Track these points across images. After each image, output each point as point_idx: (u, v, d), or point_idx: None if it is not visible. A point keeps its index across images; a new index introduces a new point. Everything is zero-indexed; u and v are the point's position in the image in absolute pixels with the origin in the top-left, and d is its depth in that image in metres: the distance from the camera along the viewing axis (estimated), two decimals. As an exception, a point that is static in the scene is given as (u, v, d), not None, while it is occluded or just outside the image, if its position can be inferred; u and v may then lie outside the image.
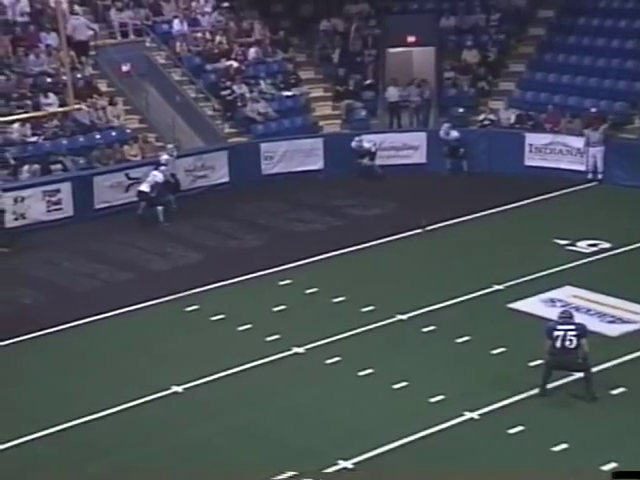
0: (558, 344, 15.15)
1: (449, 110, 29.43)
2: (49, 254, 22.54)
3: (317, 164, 27.64)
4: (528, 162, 27.22)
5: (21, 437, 14.78)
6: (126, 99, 28.69)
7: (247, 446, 14.49)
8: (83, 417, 15.24)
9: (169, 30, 30.24)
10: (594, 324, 17.24)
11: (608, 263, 21.02)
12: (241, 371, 16.61)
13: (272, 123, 28.72)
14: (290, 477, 13.38)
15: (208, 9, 31.42)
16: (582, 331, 15.27)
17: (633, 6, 29.67)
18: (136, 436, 14.86)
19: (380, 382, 16.13)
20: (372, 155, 27.43)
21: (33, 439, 14.77)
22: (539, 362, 15.77)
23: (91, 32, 29.33)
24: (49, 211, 24.35)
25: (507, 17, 31.12)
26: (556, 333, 15.19)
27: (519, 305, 18.81)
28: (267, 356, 17.06)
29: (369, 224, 23.65)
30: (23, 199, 24.06)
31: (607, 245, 21.78)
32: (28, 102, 26.59)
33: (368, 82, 30.48)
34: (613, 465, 13.60)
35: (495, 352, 16.96)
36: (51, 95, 26.77)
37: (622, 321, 18.09)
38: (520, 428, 14.64)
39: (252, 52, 30.37)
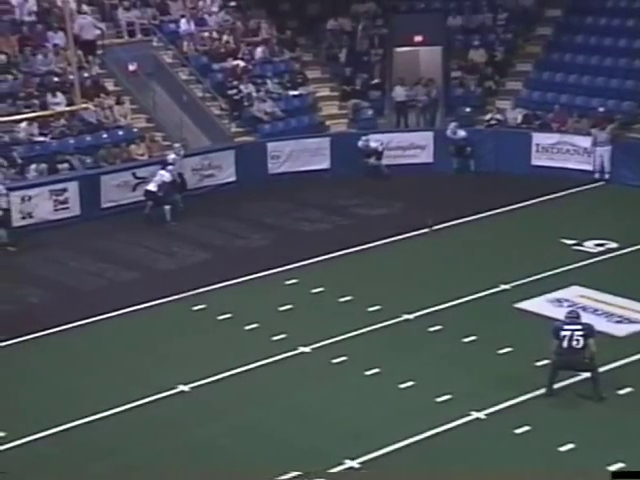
0: (565, 344, 15.12)
1: (456, 110, 29.40)
2: (56, 253, 22.57)
3: (324, 164, 27.63)
4: (535, 162, 27.18)
5: (26, 436, 14.80)
6: (133, 98, 28.70)
7: (253, 446, 14.48)
8: (88, 417, 15.24)
9: (176, 29, 30.25)
10: (601, 324, 17.21)
11: (615, 263, 20.98)
12: (247, 370, 16.61)
13: (279, 122, 28.72)
14: (295, 477, 13.35)
15: (215, 8, 31.44)
16: (589, 331, 15.24)
17: (640, 5, 29.66)
18: (141, 436, 14.87)
19: (386, 382, 16.12)
20: (379, 155, 27.41)
21: (38, 438, 14.78)
22: (546, 362, 15.74)
23: (98, 31, 29.36)
24: (56, 210, 24.38)
25: (514, 16, 31.07)
26: (563, 333, 15.16)
27: (526, 305, 18.78)
28: (273, 355, 17.06)
29: (375, 224, 23.64)
30: (30, 198, 24.09)
31: (614, 245, 21.74)
32: (35, 101, 26.62)
33: (375, 82, 30.46)
34: (620, 465, 13.58)
35: (502, 352, 16.94)
36: (58, 94, 26.78)
37: (629, 321, 18.06)
38: (526, 428, 14.62)
39: (259, 51, 30.37)
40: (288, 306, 19.10)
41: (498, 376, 16.15)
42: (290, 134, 28.11)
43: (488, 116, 28.90)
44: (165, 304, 19.47)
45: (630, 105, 27.63)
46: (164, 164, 24.91)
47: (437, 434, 14.57)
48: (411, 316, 18.47)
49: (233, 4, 31.63)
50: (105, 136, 26.82)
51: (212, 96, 28.98)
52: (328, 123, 29.54)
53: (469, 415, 15.01)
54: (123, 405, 15.55)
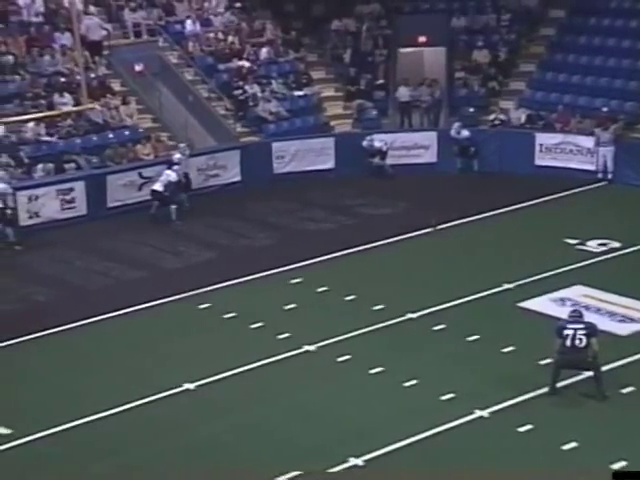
0: (568, 343, 15.11)
1: (460, 110, 29.40)
2: (62, 252, 22.60)
3: (328, 163, 27.63)
4: (538, 162, 27.17)
5: (31, 434, 14.81)
6: (139, 98, 28.74)
7: (257, 444, 14.48)
8: (93, 415, 15.24)
9: (182, 30, 30.29)
10: (604, 323, 17.18)
11: (618, 262, 20.96)
12: (252, 369, 16.62)
13: (284, 122, 28.74)
14: (296, 476, 13.32)
15: (220, 9, 31.48)
16: (592, 330, 15.23)
17: (644, 6, 29.62)
18: (146, 435, 14.85)
19: (390, 380, 16.12)
20: (383, 154, 27.41)
21: (43, 436, 14.79)
22: (549, 361, 15.73)
23: (105, 32, 29.41)
24: (63, 209, 24.41)
25: (518, 17, 31.07)
26: (566, 332, 15.15)
27: (529, 304, 18.77)
28: (278, 354, 17.07)
29: (380, 223, 23.64)
30: (37, 197, 24.12)
31: (617, 244, 21.72)
32: (42, 101, 26.67)
33: (379, 82, 30.47)
34: (623, 464, 13.57)
35: (505, 351, 16.93)
36: (65, 94, 26.82)
37: (632, 320, 18.04)
38: (530, 426, 14.61)
39: (264, 52, 30.40)
40: (293, 305, 19.11)
41: (501, 375, 16.14)
42: (295, 134, 28.12)
43: (492, 116, 28.90)
44: (171, 303, 19.49)
45: (633, 106, 27.61)
46: (170, 164, 24.94)
47: (441, 432, 14.56)
48: (415, 315, 18.47)
49: (238, 5, 31.66)
50: (111, 136, 26.85)
51: (217, 96, 29.00)
52: (333, 123, 29.56)
53: (473, 413, 15.01)
54: (128, 403, 15.55)
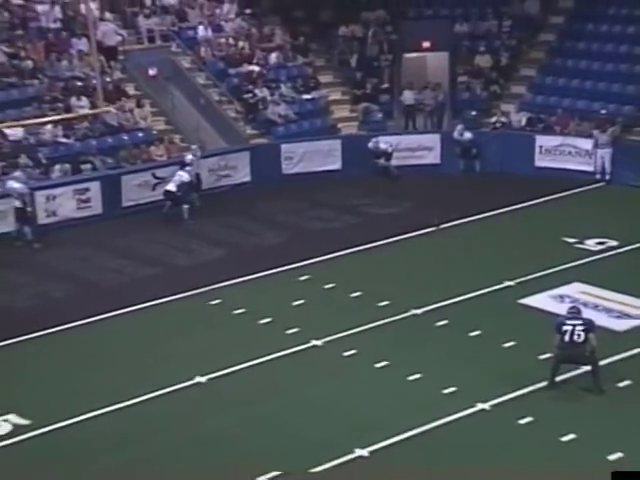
0: (567, 338, 15.08)
1: (462, 113, 29.35)
2: (78, 250, 22.61)
3: (335, 164, 27.61)
4: (538, 163, 27.12)
5: (50, 424, 14.84)
6: (153, 102, 28.75)
7: (266, 436, 14.46)
8: (107, 407, 15.25)
9: (194, 36, 30.28)
10: (601, 319, 17.15)
11: (615, 261, 20.91)
12: (261, 362, 16.62)
13: (292, 125, 28.73)
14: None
15: (231, 16, 31.47)
16: (590, 326, 15.21)
17: (640, 13, 29.56)
18: (159, 427, 14.84)
19: (395, 374, 16.11)
20: (388, 156, 27.38)
21: (61, 427, 14.82)
22: (548, 356, 15.72)
23: (120, 38, 29.44)
24: (79, 209, 24.42)
25: (519, 23, 31.02)
26: (565, 328, 15.13)
27: (529, 301, 18.74)
28: (287, 348, 17.07)
29: (385, 222, 23.61)
30: (54, 197, 24.15)
31: (614, 243, 21.67)
32: (60, 105, 26.68)
33: (384, 86, 30.45)
34: (619, 455, 13.57)
35: (506, 346, 16.91)
36: (82, 98, 26.84)
37: (629, 316, 18.01)
38: (529, 419, 14.59)
39: (273, 57, 30.39)
40: (301, 301, 19.10)
41: (502, 369, 16.12)
42: (303, 136, 28.11)
43: (493, 119, 28.85)
44: (182, 299, 19.49)
45: (630, 109, 27.54)
46: (182, 165, 24.94)
47: (443, 424, 14.54)
48: (419, 311, 18.45)
49: (249, 11, 31.65)
50: (126, 138, 26.87)
51: (228, 99, 28.99)
52: (339, 125, 29.54)
53: (474, 407, 14.99)
54: (141, 396, 15.56)
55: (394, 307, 18.54)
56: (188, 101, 28.90)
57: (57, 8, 29.49)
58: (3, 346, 17.64)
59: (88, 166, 25.63)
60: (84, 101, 26.76)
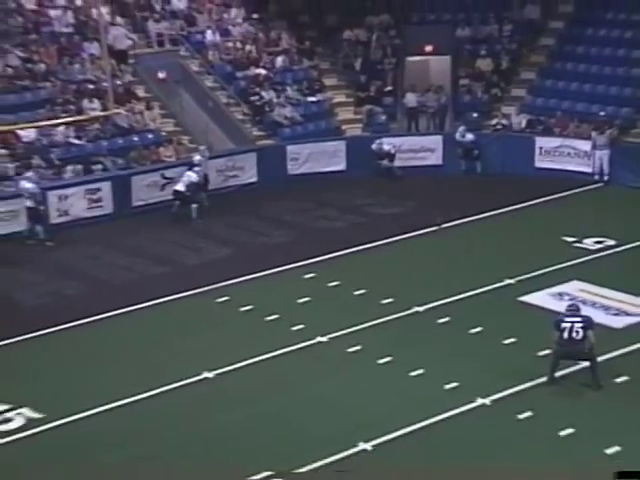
0: (565, 335, 15.08)
1: (464, 115, 29.34)
2: (90, 248, 22.64)
3: (340, 165, 27.62)
4: (538, 164, 27.11)
5: (64, 417, 14.87)
6: (162, 104, 28.78)
7: (271, 431, 14.47)
8: (118, 401, 15.28)
9: (202, 40, 30.31)
10: (599, 316, 17.14)
11: (613, 259, 20.90)
12: (268, 359, 16.63)
13: (298, 127, 28.74)
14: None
15: (239, 20, 31.50)
16: (588, 323, 15.19)
17: (638, 18, 29.43)
18: (167, 422, 14.83)
19: (398, 370, 16.11)
20: (391, 157, 27.38)
21: (76, 419, 14.86)
22: (547, 352, 15.71)
23: (130, 42, 29.48)
24: (90, 208, 24.46)
25: (519, 28, 31.00)
26: (564, 325, 15.12)
27: (529, 298, 18.73)
28: (292, 345, 17.08)
29: (388, 222, 23.61)
30: (66, 197, 24.19)
31: (612, 242, 21.65)
32: (72, 107, 26.72)
33: (388, 88, 30.43)
34: (617, 449, 13.57)
35: (506, 342, 16.91)
36: (93, 100, 26.88)
37: (626, 314, 17.99)
38: (529, 414, 14.59)
39: (279, 60, 30.41)
40: (306, 298, 19.11)
41: (503, 365, 16.12)
42: (308, 137, 28.12)
43: (494, 121, 28.82)
44: (191, 296, 19.51)
45: (628, 111, 27.51)
46: (191, 165, 24.95)
47: (445, 419, 14.55)
48: (421, 308, 18.45)
49: (256, 16, 31.67)
50: (136, 139, 26.90)
51: (235, 102, 29.02)
52: (344, 127, 29.55)
53: (475, 402, 14.99)
54: (151, 390, 15.58)
55: (397, 305, 18.55)
56: (196, 103, 28.93)
57: (69, 13, 29.56)
58: (17, 342, 17.68)
59: (99, 167, 25.67)
60: (95, 103, 26.80)
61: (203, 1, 31.96)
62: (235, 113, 28.87)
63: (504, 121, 28.68)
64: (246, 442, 14.16)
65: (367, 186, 26.24)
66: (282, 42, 31.08)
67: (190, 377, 16.00)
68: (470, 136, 27.35)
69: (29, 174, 24.00)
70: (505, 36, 31.01)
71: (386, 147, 27.36)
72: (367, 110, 29.84)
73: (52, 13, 29.36)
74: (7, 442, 14.37)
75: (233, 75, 29.67)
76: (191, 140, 27.82)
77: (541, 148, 27.13)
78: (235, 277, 20.21)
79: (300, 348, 17.02)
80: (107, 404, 15.18)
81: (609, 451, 13.55)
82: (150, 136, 27.19)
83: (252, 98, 28.97)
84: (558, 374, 15.47)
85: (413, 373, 15.94)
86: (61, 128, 26.12)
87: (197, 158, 25.24)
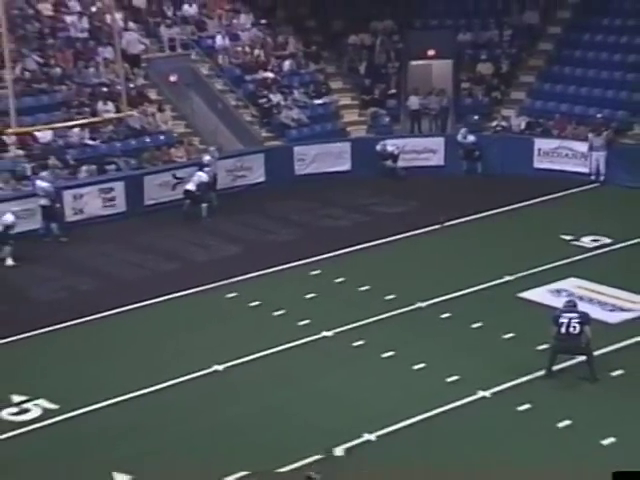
0: (563, 330, 15.06)
1: (465, 117, 29.30)
2: (103, 245, 22.65)
3: (345, 166, 27.59)
4: (537, 165, 27.06)
5: (78, 409, 14.90)
6: (173, 106, 28.78)
7: (278, 422, 14.48)
8: (129, 394, 15.30)
9: (212, 44, 30.30)
10: (596, 312, 17.10)
11: (609, 257, 20.87)
12: (275, 352, 16.63)
13: (304, 128, 28.72)
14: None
15: (248, 25, 31.47)
16: (585, 319, 15.18)
17: (634, 23, 29.41)
18: (177, 414, 14.84)
19: (401, 363, 16.11)
20: (395, 158, 27.36)
21: (88, 412, 14.89)
22: (546, 346, 15.68)
23: (143, 46, 29.49)
24: (104, 207, 24.47)
25: (519, 33, 30.95)
26: (561, 320, 15.10)
27: (528, 295, 18.71)
28: (299, 339, 17.08)
29: (392, 220, 23.59)
30: (81, 196, 24.20)
31: (608, 240, 21.62)
32: (87, 109, 26.73)
33: (392, 91, 30.40)
34: (612, 440, 13.56)
35: (506, 337, 16.89)
36: (107, 103, 26.89)
37: (621, 309, 17.97)
38: (528, 406, 14.58)
39: (287, 64, 30.39)
40: (312, 294, 19.10)
41: (502, 359, 16.10)
42: (315, 139, 28.10)
43: (494, 123, 28.79)
44: (201, 292, 19.51)
45: (623, 114, 27.45)
46: (201, 166, 24.96)
47: (447, 411, 14.55)
48: (424, 304, 18.43)
49: (264, 22, 31.65)
50: (148, 140, 26.91)
51: (244, 104, 29.02)
52: (349, 129, 29.53)
53: (476, 394, 14.98)
54: (162, 383, 15.59)
55: (400, 300, 18.53)
56: (207, 106, 28.92)
57: (85, 19, 29.55)
58: (34, 336, 17.70)
59: (113, 167, 25.69)
60: (109, 106, 26.80)
61: (213, 7, 31.95)
62: (244, 115, 28.85)
63: (504, 123, 28.64)
64: (253, 434, 14.14)
65: (371, 186, 26.22)
66: (289, 46, 31.06)
67: (200, 370, 16.00)
68: (472, 138, 27.31)
69: (44, 173, 24.03)
70: (505, 41, 30.96)
71: (390, 148, 27.33)
72: (371, 112, 29.81)
73: (68, 19, 29.36)
74: (27, 431, 14.40)
75: (242, 78, 29.66)
76: (201, 141, 27.81)
77: (540, 149, 27.08)
78: (243, 274, 20.21)
79: (306, 342, 17.01)
80: (119, 396, 15.20)
81: (605, 442, 13.54)
82: (162, 137, 27.19)
83: (260, 101, 28.96)
84: (556, 368, 15.46)
85: (416, 367, 15.93)
86: (76, 130, 26.15)
87: (207, 158, 25.24)
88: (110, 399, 15.13)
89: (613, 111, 27.50)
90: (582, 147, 26.45)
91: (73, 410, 14.85)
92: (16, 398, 15.25)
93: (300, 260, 20.91)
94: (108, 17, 28.45)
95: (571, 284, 19.04)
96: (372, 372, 15.94)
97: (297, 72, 30.49)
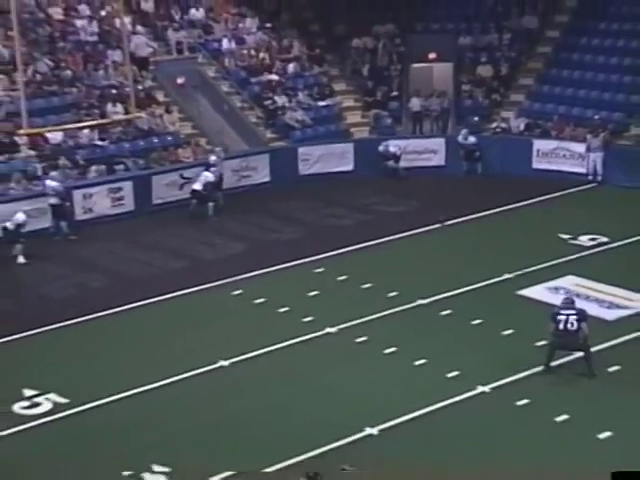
0: (561, 327, 15.06)
1: (465, 119, 29.27)
2: (112, 244, 22.67)
3: (348, 166, 27.58)
4: (536, 165, 27.04)
5: (88, 402, 14.93)
6: (180, 108, 28.78)
7: (282, 416, 14.49)
8: (137, 388, 15.32)
9: (219, 47, 30.29)
10: (593, 309, 17.10)
11: (606, 255, 20.84)
12: (280, 348, 16.64)
13: (308, 129, 28.70)
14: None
15: (253, 29, 31.45)
16: (582, 315, 15.18)
17: (630, 27, 29.38)
18: (184, 408, 14.86)
19: (403, 359, 16.10)
20: (397, 158, 27.34)
21: (96, 406, 14.92)
22: (544, 343, 15.69)
23: (151, 49, 29.49)
24: (113, 206, 24.47)
25: (518, 37, 30.91)
26: (559, 317, 15.10)
27: (527, 292, 18.70)
28: (303, 335, 17.09)
29: (394, 220, 23.58)
30: (91, 195, 24.21)
31: (605, 239, 21.60)
32: (96, 111, 26.75)
33: (394, 94, 30.37)
34: (609, 434, 13.56)
35: (505, 333, 16.89)
36: (116, 104, 26.90)
37: (618, 307, 17.95)
38: (526, 401, 14.58)
39: (291, 67, 30.38)
40: (316, 292, 19.10)
41: (502, 355, 16.10)
42: (318, 140, 28.08)
43: (494, 124, 28.78)
44: (207, 289, 19.52)
45: (620, 116, 27.41)
46: (207, 166, 24.96)
47: (447, 405, 14.55)
48: (425, 301, 18.43)
49: (269, 25, 31.64)
50: (156, 141, 26.92)
51: (250, 106, 29.01)
52: (352, 130, 29.49)
53: (476, 389, 14.98)
54: (170, 378, 15.61)
55: (402, 297, 18.53)
56: (213, 107, 28.91)
57: (94, 23, 29.56)
58: (45, 332, 17.72)
59: (121, 167, 25.69)
60: (118, 107, 26.81)
61: (220, 11, 31.96)
62: (249, 116, 28.84)
63: (503, 124, 28.63)
64: (257, 428, 14.15)
65: (374, 186, 26.21)
66: (294, 50, 31.05)
67: (206, 366, 16.01)
68: (472, 139, 27.29)
69: (53, 173, 24.04)
70: (504, 44, 30.92)
71: (392, 149, 27.32)
72: (374, 114, 29.79)
73: (78, 23, 29.38)
74: (38, 424, 14.43)
75: (247, 80, 29.65)
76: (208, 142, 27.80)
77: (538, 150, 27.05)
78: (249, 271, 20.22)
79: (310, 339, 17.02)
80: (127, 390, 15.22)
81: (602, 436, 13.54)
82: (169, 138, 27.19)
83: (265, 102, 28.95)
84: (554, 363, 15.46)
85: (417, 362, 15.93)
86: (86, 131, 26.16)
87: (213, 159, 25.25)
88: (119, 393, 15.15)
89: (610, 113, 27.46)
90: (580, 148, 26.42)
91: (83, 404, 14.89)
92: (27, 392, 15.28)
93: (304, 258, 20.91)
94: (117, 21, 28.46)
95: (569, 282, 19.02)
96: (374, 368, 15.95)
97: (301, 74, 30.47)
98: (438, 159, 27.88)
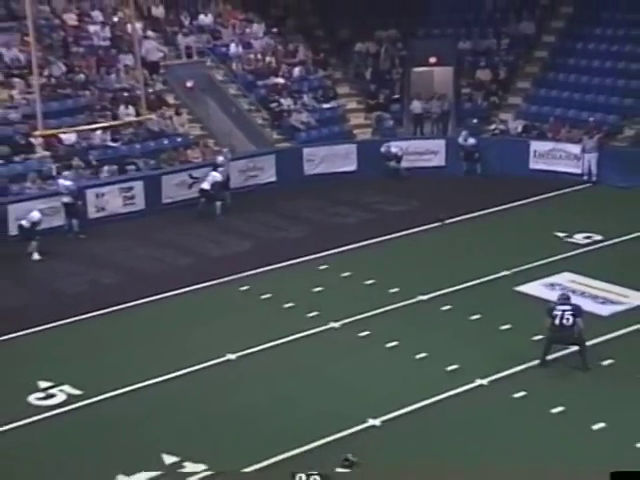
0: (557, 322, 15.06)
1: (465, 121, 29.24)
2: (124, 241, 22.69)
3: (351, 166, 27.57)
4: (533, 166, 27.01)
5: (100, 394, 14.97)
6: (190, 110, 28.79)
7: (287, 408, 14.51)
8: (148, 380, 15.35)
9: (227, 52, 30.30)
10: (588, 305, 17.09)
11: (601, 253, 20.83)
12: (285, 342, 16.66)
13: (313, 131, 28.70)
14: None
15: (260, 34, 31.46)
16: (577, 311, 15.18)
17: (624, 33, 29.34)
18: (193, 399, 14.88)
19: (404, 353, 16.12)
20: (398, 159, 27.33)
21: (109, 397, 14.95)
22: (540, 337, 15.69)
23: (161, 54, 29.50)
24: (124, 205, 24.50)
25: (516, 42, 30.87)
26: (555, 312, 15.10)
27: (524, 288, 18.69)
28: (308, 330, 17.11)
29: (395, 218, 23.57)
30: (103, 195, 24.25)
31: (599, 237, 21.58)
32: (108, 113, 26.78)
33: (395, 96, 30.35)
34: (602, 425, 13.57)
35: (502, 328, 16.89)
36: (128, 107, 26.93)
37: (612, 302, 17.94)
38: (523, 393, 14.58)
39: (296, 70, 30.38)
40: (320, 288, 19.11)
41: (499, 349, 16.10)
42: (323, 141, 28.07)
43: (493, 126, 28.75)
44: (215, 285, 19.54)
45: (614, 118, 27.37)
46: (215, 166, 24.96)
47: (447, 398, 14.57)
48: (425, 297, 18.44)
49: (275, 31, 31.65)
50: (166, 142, 26.94)
51: (256, 108, 29.02)
52: (355, 132, 29.48)
53: (474, 382, 14.99)
54: (179, 371, 15.64)
55: (403, 294, 18.53)
56: (221, 109, 28.93)
57: (107, 28, 29.60)
58: (59, 326, 17.77)
59: (132, 167, 25.72)
60: (130, 109, 26.84)
61: (228, 17, 31.98)
62: (256, 118, 28.85)
63: (502, 126, 28.60)
64: (263, 419, 14.17)
65: (376, 185, 26.20)
66: (299, 54, 31.04)
67: (214, 359, 16.03)
68: (472, 140, 27.28)
69: (66, 173, 24.07)
70: (503, 49, 30.89)
71: (394, 150, 27.31)
72: (376, 116, 29.77)
73: (91, 28, 29.41)
74: (52, 415, 14.48)
75: (254, 84, 29.66)
76: (216, 143, 27.81)
77: (535, 151, 27.03)
78: (255, 268, 20.23)
79: (314, 333, 17.04)
80: (138, 383, 15.25)
81: (595, 427, 13.55)
82: (179, 139, 27.21)
83: (271, 105, 28.96)
84: (550, 357, 15.46)
85: (418, 356, 15.94)
86: (99, 132, 26.19)
87: (221, 159, 25.26)
88: (130, 385, 15.18)
89: (605, 115, 27.43)
90: (575, 149, 26.40)
91: (96, 396, 14.92)
92: (42, 384, 15.32)
93: (309, 255, 20.92)
94: (129, 27, 28.43)
95: (565, 278, 19.02)
96: (376, 361, 15.96)
97: (306, 78, 30.47)
98: (438, 160, 27.86)
